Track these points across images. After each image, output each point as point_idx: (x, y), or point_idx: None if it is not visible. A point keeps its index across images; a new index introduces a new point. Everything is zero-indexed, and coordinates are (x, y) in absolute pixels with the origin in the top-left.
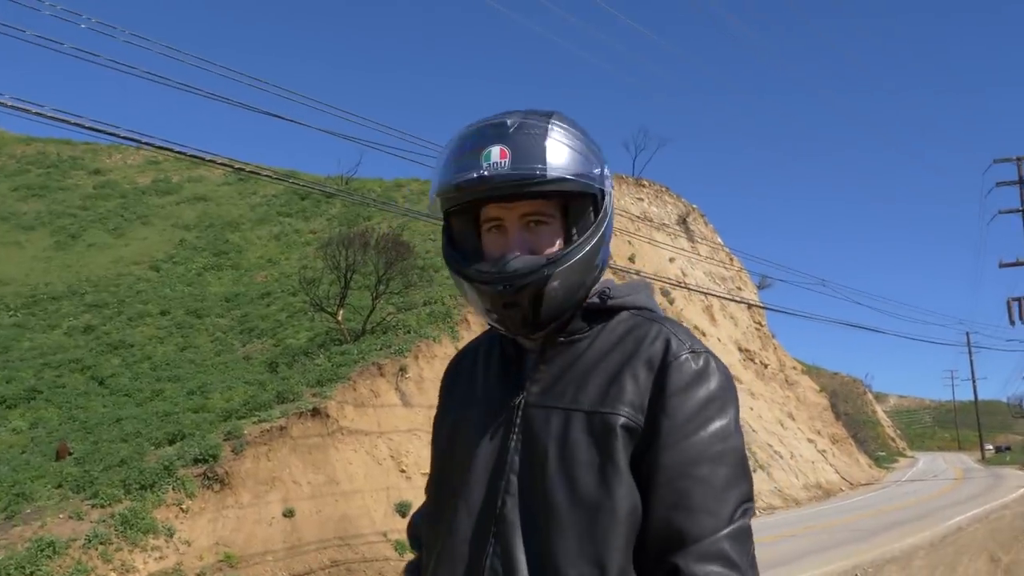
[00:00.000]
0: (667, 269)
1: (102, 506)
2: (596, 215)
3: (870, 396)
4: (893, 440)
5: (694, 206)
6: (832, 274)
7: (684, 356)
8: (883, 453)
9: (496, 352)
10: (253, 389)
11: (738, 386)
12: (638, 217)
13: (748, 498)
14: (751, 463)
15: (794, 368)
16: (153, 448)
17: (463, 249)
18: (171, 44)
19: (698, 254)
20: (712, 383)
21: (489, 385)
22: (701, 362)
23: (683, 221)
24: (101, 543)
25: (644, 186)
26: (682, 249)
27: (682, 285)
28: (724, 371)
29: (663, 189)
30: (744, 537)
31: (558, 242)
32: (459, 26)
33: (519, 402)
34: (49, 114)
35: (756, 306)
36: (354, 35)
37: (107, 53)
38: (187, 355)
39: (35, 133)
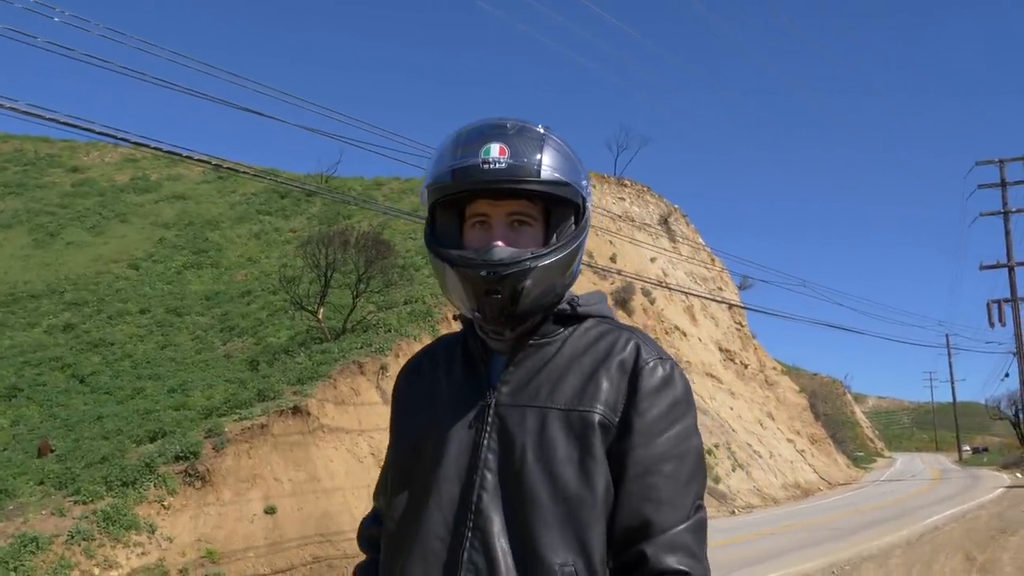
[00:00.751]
0: (648, 269)
1: (84, 503)
2: (576, 225)
3: (849, 397)
4: (871, 441)
5: (676, 206)
6: (813, 275)
7: (653, 362)
8: (861, 453)
9: (459, 354)
10: (234, 387)
11: (718, 386)
12: (619, 217)
13: (702, 494)
14: (730, 462)
15: (774, 368)
16: (134, 445)
17: (445, 241)
18: (147, 39)
19: (679, 254)
20: (678, 388)
21: (455, 386)
22: (668, 368)
23: (665, 221)
24: (84, 539)
25: (626, 186)
26: (664, 249)
27: (663, 285)
28: (685, 379)
29: (645, 189)
30: (701, 529)
31: (538, 244)
32: (442, 23)
33: (490, 401)
34: (23, 109)
35: (737, 306)
36: (336, 32)
37: (82, 48)
38: (167, 353)
39: (11, 130)
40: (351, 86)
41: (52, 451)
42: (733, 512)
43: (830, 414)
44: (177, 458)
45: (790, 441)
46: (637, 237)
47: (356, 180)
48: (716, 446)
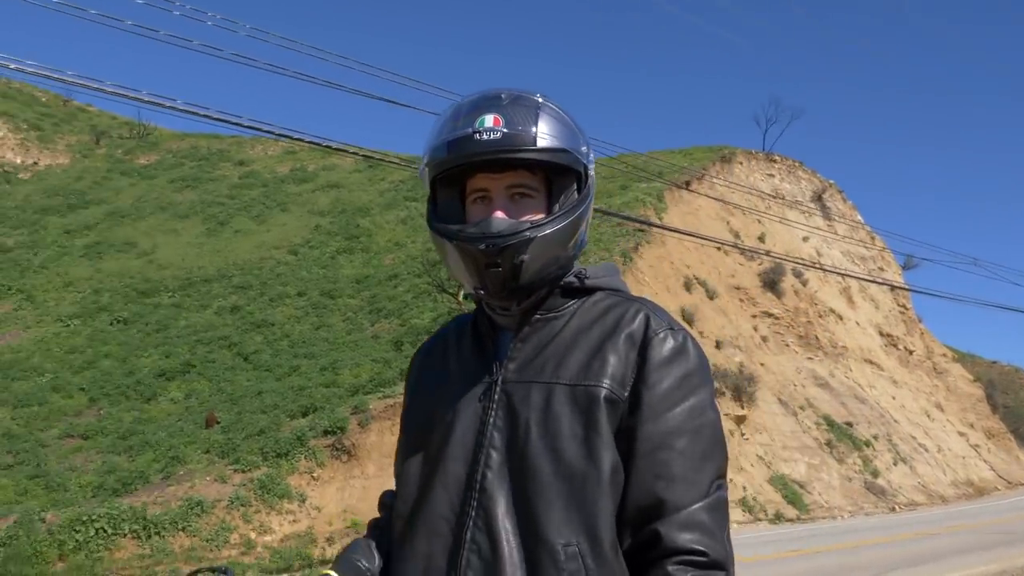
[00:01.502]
0: (800, 249)
1: (243, 471)
2: (579, 193)
3: None
4: None
5: (831, 182)
6: (988, 253)
7: (663, 333)
8: None
9: (468, 333)
10: (379, 367)
11: (879, 373)
12: (769, 195)
13: (724, 471)
14: (891, 456)
15: (943, 355)
16: (289, 420)
17: (447, 219)
18: (317, 45)
19: (835, 233)
20: (691, 360)
21: (463, 364)
22: (680, 339)
23: (819, 198)
24: (242, 505)
25: (775, 161)
26: (817, 228)
27: (817, 266)
28: (700, 349)
29: (796, 164)
30: (720, 508)
31: (540, 216)
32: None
33: (496, 378)
34: (214, 115)
35: (900, 288)
36: (477, 18)
37: (230, 47)
38: (321, 334)
39: (188, 129)
40: (494, 72)
41: (218, 423)
42: (893, 509)
43: (1011, 406)
44: (326, 432)
45: (962, 435)
46: (788, 216)
47: None
48: (875, 437)
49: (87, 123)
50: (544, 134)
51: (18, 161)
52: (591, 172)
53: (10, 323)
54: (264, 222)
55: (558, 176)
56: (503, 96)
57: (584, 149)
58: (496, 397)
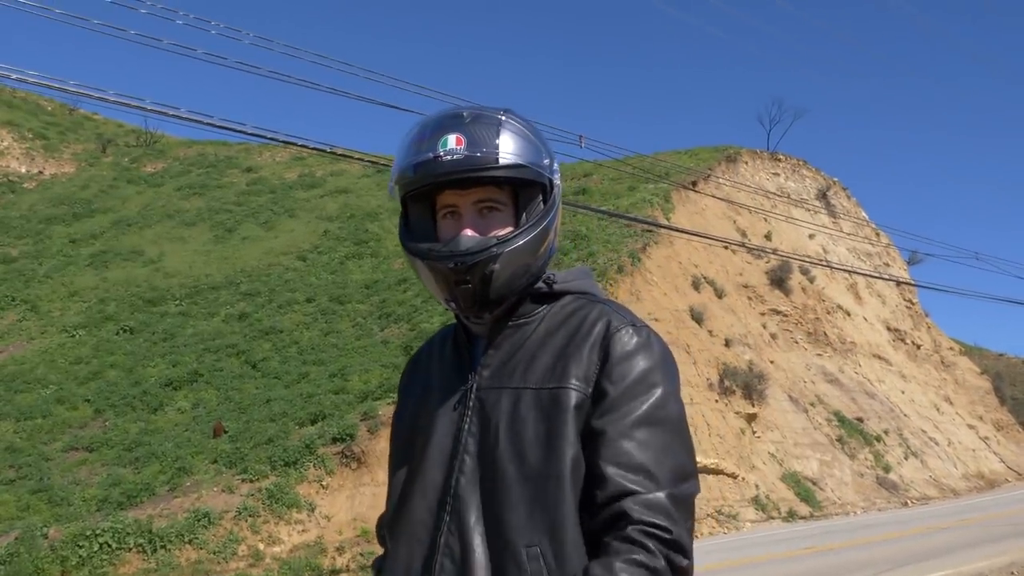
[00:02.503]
0: (806, 246)
1: (251, 481)
2: (545, 204)
3: None
4: None
5: (835, 179)
6: (989, 248)
7: (624, 328)
8: None
9: (449, 343)
10: (389, 372)
11: (887, 368)
12: (774, 193)
13: (690, 470)
14: (902, 450)
15: (951, 349)
16: (297, 428)
17: (419, 235)
18: (321, 52)
19: (840, 230)
20: (653, 354)
21: (444, 372)
22: (643, 335)
23: (823, 195)
24: (250, 515)
25: (780, 160)
26: (822, 226)
27: (823, 263)
28: (663, 345)
29: (800, 163)
30: (686, 503)
31: (509, 228)
32: (600, 14)
33: (471, 385)
34: (218, 123)
35: (906, 283)
36: (481, 22)
37: (234, 55)
38: (330, 340)
39: (195, 136)
40: (498, 74)
41: (225, 432)
42: (906, 504)
43: (1019, 398)
44: (335, 440)
45: (971, 427)
46: (793, 214)
47: None
48: (886, 432)
49: (93, 131)
50: (506, 151)
51: (23, 170)
52: (556, 183)
53: (14, 334)
54: (272, 228)
55: (524, 189)
56: (465, 115)
57: (546, 162)
58: (471, 404)
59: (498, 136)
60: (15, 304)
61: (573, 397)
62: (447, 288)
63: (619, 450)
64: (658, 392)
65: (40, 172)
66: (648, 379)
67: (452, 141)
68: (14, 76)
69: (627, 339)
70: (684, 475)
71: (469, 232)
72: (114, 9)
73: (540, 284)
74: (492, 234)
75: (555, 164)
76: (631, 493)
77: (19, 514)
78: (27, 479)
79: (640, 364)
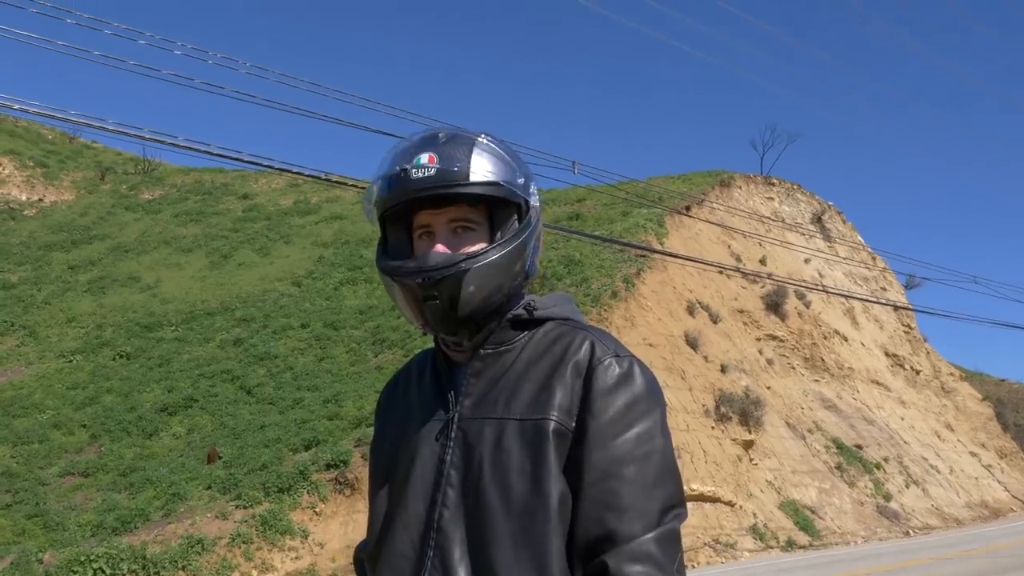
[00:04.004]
0: (802, 271)
1: (245, 507)
2: (520, 223)
3: None
4: None
5: (830, 203)
6: (987, 272)
7: (608, 360)
8: None
9: (428, 370)
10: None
11: (886, 394)
12: (768, 218)
13: (677, 500)
14: (903, 478)
15: (951, 374)
16: (291, 453)
17: (395, 258)
18: (316, 81)
19: (836, 254)
20: (636, 386)
21: (424, 402)
22: (625, 365)
23: (818, 220)
24: (244, 542)
25: (774, 184)
26: (818, 250)
27: (819, 288)
28: (649, 375)
29: (795, 187)
30: (672, 539)
31: (481, 246)
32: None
33: (452, 416)
34: (215, 151)
35: (903, 308)
36: (469, 46)
37: (232, 85)
38: (324, 365)
39: (192, 164)
40: (489, 98)
41: (219, 458)
42: (908, 533)
43: (1023, 424)
44: (328, 466)
45: (974, 455)
46: (788, 238)
47: None
48: (885, 460)
49: (92, 159)
50: (477, 170)
51: (24, 198)
52: (532, 203)
53: (12, 360)
54: (267, 254)
55: (498, 208)
56: (440, 136)
57: (521, 181)
58: (453, 434)
59: (470, 155)
60: (14, 329)
61: (557, 428)
62: (417, 307)
63: (605, 489)
64: (643, 425)
65: (40, 199)
66: (632, 413)
67: (424, 159)
68: (16, 106)
69: (611, 370)
70: (671, 506)
71: (440, 248)
72: (114, 40)
73: (520, 311)
74: (463, 251)
75: (532, 186)
76: (616, 542)
77: (15, 539)
78: (23, 504)
79: (624, 397)
